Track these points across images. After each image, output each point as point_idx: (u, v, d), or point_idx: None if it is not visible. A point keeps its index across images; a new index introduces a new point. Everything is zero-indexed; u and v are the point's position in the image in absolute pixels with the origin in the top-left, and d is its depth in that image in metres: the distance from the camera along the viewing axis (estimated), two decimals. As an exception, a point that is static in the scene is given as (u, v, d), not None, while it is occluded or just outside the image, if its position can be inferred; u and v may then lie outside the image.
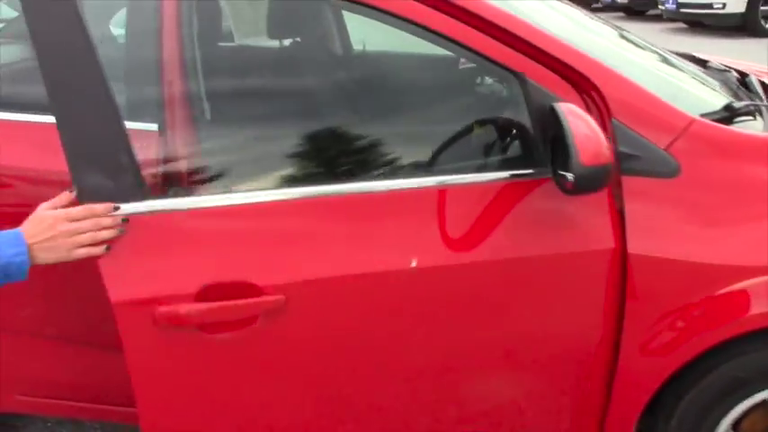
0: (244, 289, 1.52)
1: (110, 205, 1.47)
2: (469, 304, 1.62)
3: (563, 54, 1.68)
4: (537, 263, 1.61)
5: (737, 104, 1.83)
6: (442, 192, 1.63)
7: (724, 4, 9.95)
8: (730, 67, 2.43)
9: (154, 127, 1.84)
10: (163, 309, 1.50)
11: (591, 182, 1.41)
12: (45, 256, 1.45)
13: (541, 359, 1.71)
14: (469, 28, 1.61)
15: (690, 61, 2.51)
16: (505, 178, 1.63)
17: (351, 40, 2.90)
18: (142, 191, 1.52)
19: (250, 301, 1.52)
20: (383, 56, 2.52)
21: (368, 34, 2.62)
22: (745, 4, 9.83)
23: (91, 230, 1.45)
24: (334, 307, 1.59)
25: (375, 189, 1.62)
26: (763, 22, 9.93)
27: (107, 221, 1.47)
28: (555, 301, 1.65)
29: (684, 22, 10.92)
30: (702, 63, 2.59)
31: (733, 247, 1.63)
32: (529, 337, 1.68)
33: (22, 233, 1.45)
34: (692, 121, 1.67)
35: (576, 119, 1.41)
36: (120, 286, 1.49)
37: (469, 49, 1.61)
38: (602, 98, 1.67)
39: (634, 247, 1.63)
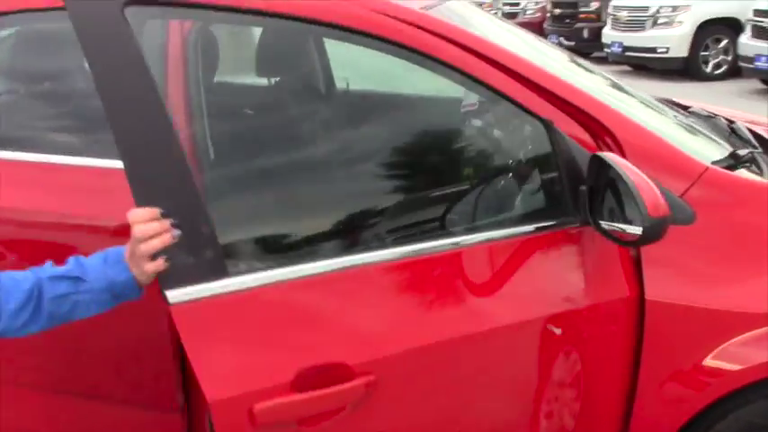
0: (336, 370, 1.40)
1: (155, 211, 1.31)
2: (518, 360, 1.60)
3: (576, 98, 1.69)
4: (567, 317, 1.60)
5: (742, 152, 1.87)
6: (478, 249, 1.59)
7: (667, 49, 10.31)
8: (716, 114, 2.49)
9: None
10: (261, 405, 1.35)
11: (657, 233, 1.40)
12: (136, 272, 1.33)
13: (559, 409, 1.69)
14: (501, 73, 1.60)
15: (672, 106, 2.56)
16: (530, 232, 1.61)
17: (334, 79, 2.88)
18: (223, 267, 1.38)
19: (346, 386, 1.40)
20: (379, 96, 2.50)
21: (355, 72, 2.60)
22: (687, 49, 10.22)
23: (145, 239, 1.30)
24: (422, 376, 1.51)
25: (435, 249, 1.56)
26: (703, 67, 10.33)
27: (153, 227, 1.30)
28: (579, 351, 1.64)
29: (629, 65, 11.26)
30: (684, 108, 2.65)
31: (748, 294, 1.64)
32: (556, 388, 1.66)
33: (125, 249, 1.35)
34: (706, 169, 1.69)
35: (632, 172, 1.40)
36: (215, 383, 1.33)
37: (501, 95, 1.60)
38: (618, 143, 1.68)
39: (652, 294, 1.64)
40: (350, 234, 1.71)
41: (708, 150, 1.92)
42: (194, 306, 1.36)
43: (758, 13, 8.88)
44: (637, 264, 1.66)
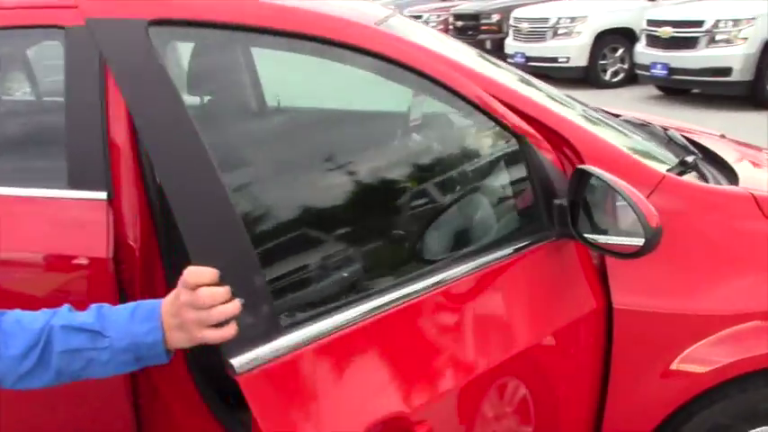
0: (398, 422, 1.32)
1: (216, 272, 1.13)
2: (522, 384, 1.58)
3: (534, 111, 1.69)
4: (557, 336, 1.59)
5: (689, 159, 1.92)
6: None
7: (568, 58, 10.69)
8: (649, 122, 2.56)
9: (102, 195, 1.68)
10: None
11: (656, 243, 1.41)
12: (177, 337, 1.14)
13: (540, 421, 1.68)
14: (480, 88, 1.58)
15: (606, 115, 2.61)
16: (511, 254, 1.57)
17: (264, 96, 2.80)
18: (278, 323, 1.24)
19: None
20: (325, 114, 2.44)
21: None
22: (586, 58, 10.62)
23: (209, 305, 1.11)
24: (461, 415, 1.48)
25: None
26: (602, 75, 10.75)
27: (222, 292, 1.12)
28: (560, 366, 1.63)
29: (532, 74, 11.58)
30: (615, 116, 2.70)
31: (711, 297, 1.68)
32: (540, 402, 1.65)
33: (160, 305, 1.15)
34: (663, 177, 1.72)
35: (623, 185, 1.40)
36: None
37: (481, 110, 1.57)
38: (577, 154, 1.69)
39: (619, 302, 1.66)
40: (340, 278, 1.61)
41: (656, 158, 1.97)
42: (260, 373, 1.20)
43: (651, 23, 9.31)
44: (599, 272, 1.68)
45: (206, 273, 1.12)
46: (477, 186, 1.73)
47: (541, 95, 1.93)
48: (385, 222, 1.68)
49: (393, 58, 1.52)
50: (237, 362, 1.19)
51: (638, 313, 1.66)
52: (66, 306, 1.18)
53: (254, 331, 1.19)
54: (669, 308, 1.66)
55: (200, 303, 1.11)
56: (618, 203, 1.63)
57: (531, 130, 1.59)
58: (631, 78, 10.33)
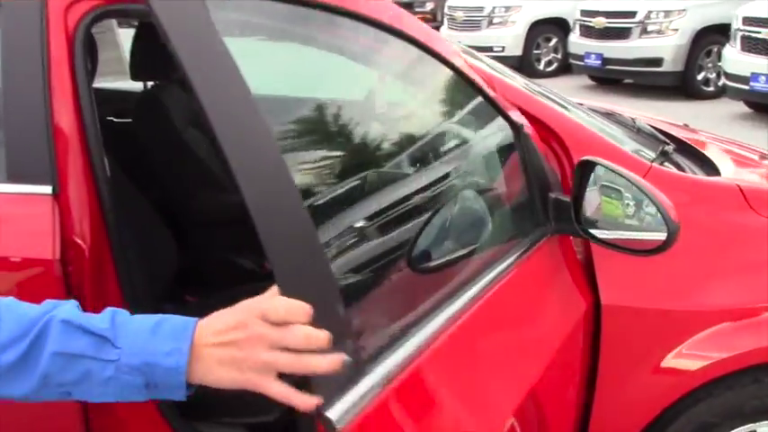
0: None
1: (309, 308, 0.85)
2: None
3: (523, 101, 1.61)
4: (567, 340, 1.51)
5: (668, 149, 1.87)
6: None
7: (503, 47, 10.74)
8: (615, 111, 2.51)
9: (47, 189, 1.51)
10: None
11: (677, 237, 1.33)
12: (218, 373, 0.85)
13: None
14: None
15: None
16: (522, 254, 1.43)
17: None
18: (360, 358, 0.99)
19: None
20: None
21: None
22: (521, 48, 10.70)
23: (298, 345, 0.84)
24: None
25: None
26: (536, 64, 10.84)
27: (321, 337, 0.83)
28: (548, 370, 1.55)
29: (468, 63, 11.62)
30: (579, 105, 2.65)
31: (700, 292, 1.63)
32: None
33: (195, 325, 0.86)
34: (650, 168, 1.66)
35: (639, 179, 1.32)
36: None
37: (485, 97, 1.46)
38: (564, 146, 1.61)
39: (608, 299, 1.59)
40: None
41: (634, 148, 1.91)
42: (359, 424, 0.94)
43: (584, 13, 9.45)
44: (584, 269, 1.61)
45: (301, 309, 0.84)
46: (472, 181, 1.60)
47: (519, 84, 1.84)
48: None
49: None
50: (335, 415, 0.91)
51: (627, 310, 1.59)
52: (72, 301, 0.92)
53: (342, 374, 0.91)
54: (659, 304, 1.60)
55: (292, 344, 0.83)
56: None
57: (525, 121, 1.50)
58: (565, 68, 10.48)
